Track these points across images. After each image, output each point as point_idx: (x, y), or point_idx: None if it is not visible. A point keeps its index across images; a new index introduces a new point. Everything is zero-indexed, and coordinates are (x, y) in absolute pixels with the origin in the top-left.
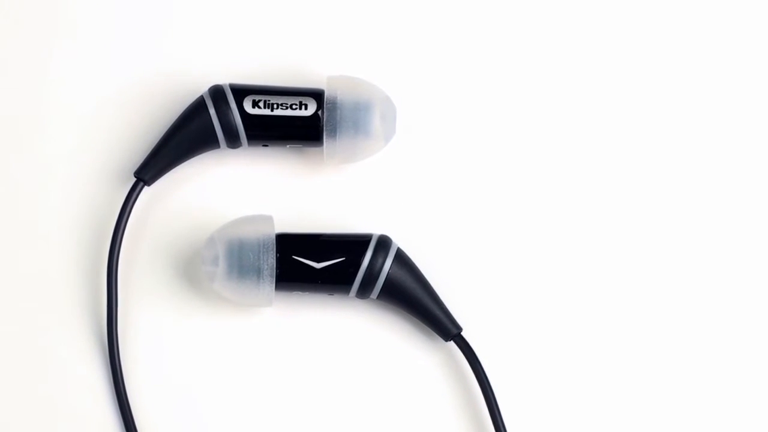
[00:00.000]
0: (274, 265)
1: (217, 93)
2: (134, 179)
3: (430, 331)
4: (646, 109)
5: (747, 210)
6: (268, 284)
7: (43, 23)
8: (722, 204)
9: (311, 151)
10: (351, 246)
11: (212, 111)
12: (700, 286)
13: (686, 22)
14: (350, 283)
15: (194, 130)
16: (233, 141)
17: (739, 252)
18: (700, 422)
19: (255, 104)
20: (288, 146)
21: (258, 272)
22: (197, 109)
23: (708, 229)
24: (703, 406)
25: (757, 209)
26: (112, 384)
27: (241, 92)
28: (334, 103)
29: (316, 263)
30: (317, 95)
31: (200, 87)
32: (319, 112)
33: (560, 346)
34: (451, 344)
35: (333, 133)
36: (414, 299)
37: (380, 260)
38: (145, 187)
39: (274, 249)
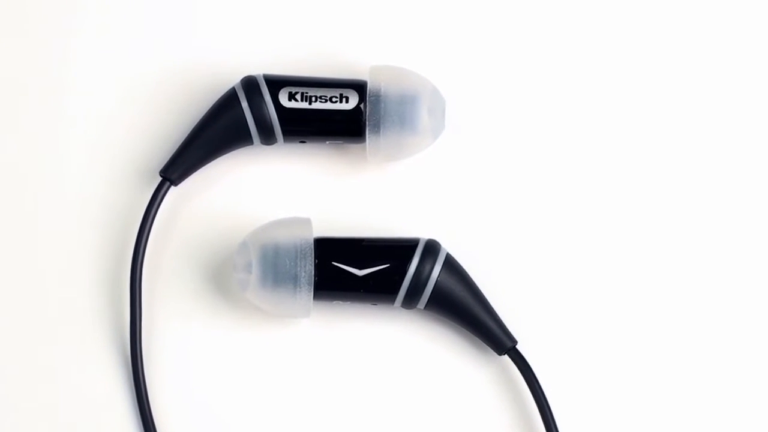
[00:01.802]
0: (313, 273)
1: (250, 85)
2: (160, 179)
3: (482, 344)
4: (705, 108)
5: None
6: (306, 293)
7: (64, 12)
8: None
9: (353, 147)
10: (396, 251)
11: (245, 104)
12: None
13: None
14: (395, 291)
15: (225, 126)
16: (268, 137)
17: None
18: None
19: (291, 97)
20: (327, 142)
21: (295, 280)
22: (228, 102)
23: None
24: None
25: None
26: (136, 401)
27: (276, 84)
28: (377, 96)
29: (358, 270)
30: (359, 87)
31: (232, 78)
32: (362, 106)
33: (622, 360)
34: (505, 358)
35: (377, 128)
36: (465, 309)
37: (428, 267)
38: (172, 187)
39: (313, 255)
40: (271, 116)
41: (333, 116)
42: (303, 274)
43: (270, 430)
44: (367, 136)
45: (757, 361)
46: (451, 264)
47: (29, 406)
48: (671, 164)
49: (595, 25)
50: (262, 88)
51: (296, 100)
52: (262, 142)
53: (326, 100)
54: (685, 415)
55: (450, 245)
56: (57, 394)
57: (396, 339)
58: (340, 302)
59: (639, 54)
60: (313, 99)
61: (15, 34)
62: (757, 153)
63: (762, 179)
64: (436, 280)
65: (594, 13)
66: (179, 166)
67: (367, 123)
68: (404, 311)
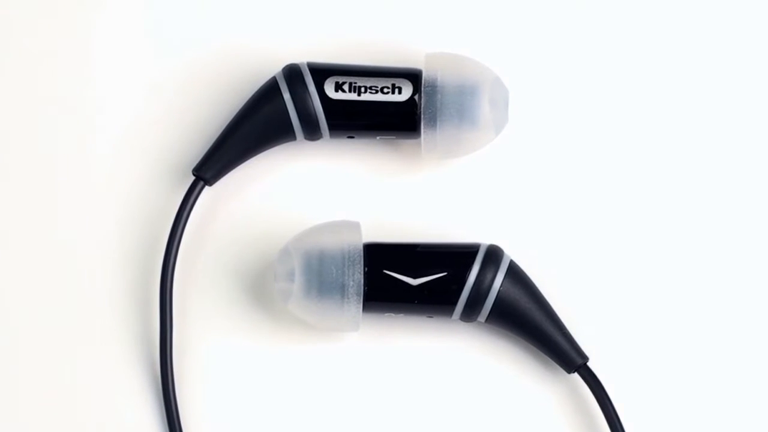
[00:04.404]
0: (362, 282)
1: (292, 74)
2: (193, 178)
3: (550, 360)
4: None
5: None
6: (354, 304)
7: (92, 2)
8: None
9: (406, 143)
10: (454, 258)
11: (287, 95)
12: None
13: None
14: (454, 302)
15: (265, 119)
16: (312, 131)
17: None
18: None
19: (338, 87)
20: (378, 138)
21: (342, 290)
22: (269, 93)
23: None
24: None
25: None
26: (166, 421)
27: (321, 73)
28: (434, 86)
29: (412, 279)
30: (413, 76)
31: (273, 67)
32: (416, 97)
33: (700, 378)
34: (575, 376)
35: (433, 121)
36: (530, 322)
37: (490, 275)
38: (206, 187)
39: (362, 262)
40: (316, 109)
41: (384, 109)
42: (351, 283)
43: None
44: (422, 130)
45: None
46: (515, 272)
47: (53, 425)
48: (735, 156)
49: (665, 20)
50: (306, 78)
51: (343, 91)
52: (305, 138)
53: (377, 91)
54: None
55: (514, 251)
56: (80, 414)
57: (454, 355)
58: (392, 314)
59: (711, 43)
60: (362, 90)
61: (43, 29)
62: None
63: None
64: (499, 290)
65: (664, 8)
66: (214, 164)
67: (422, 116)
68: (463, 324)
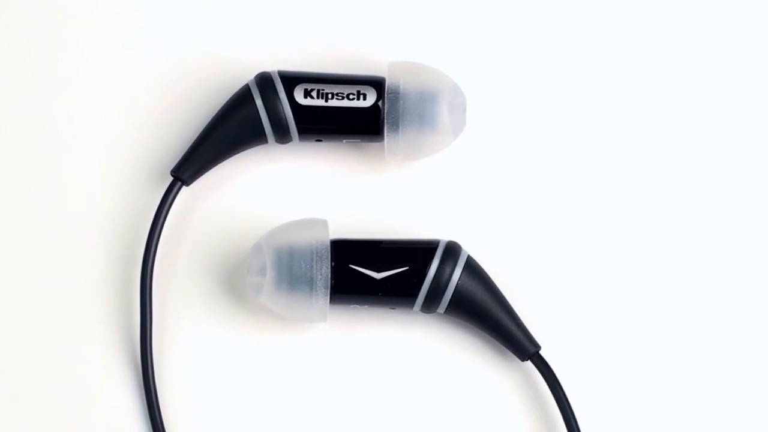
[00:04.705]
0: (329, 276)
1: (264, 81)
2: (171, 178)
3: (505, 349)
4: (730, 110)
5: None
6: (322, 297)
7: (75, 9)
8: None
9: (370, 146)
10: (415, 254)
11: (259, 101)
12: None
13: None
14: (414, 295)
15: (239, 123)
16: (282, 135)
17: None
18: None
19: (307, 94)
20: (344, 141)
21: (310, 283)
22: (242, 99)
23: None
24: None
25: None
26: (146, 409)
27: (291, 80)
28: (396, 93)
29: (376, 273)
30: (377, 84)
31: (246, 75)
32: (380, 103)
33: (649, 366)
34: (528, 364)
35: (395, 126)
36: (486, 313)
37: (448, 270)
38: (184, 187)
39: (329, 257)
40: (286, 114)
41: (350, 114)
42: (319, 277)
43: None
44: (385, 134)
45: None
46: (472, 267)
47: (36, 411)
48: (687, 160)
49: (619, 21)
50: (276, 85)
51: (312, 98)
52: (276, 141)
53: (343, 98)
54: (713, 423)
55: (471, 247)
56: (65, 401)
57: (415, 344)
58: (358, 306)
59: (661, 54)
60: (330, 96)
61: (26, 33)
62: None
63: None
64: (457, 284)
65: (618, 9)
66: (191, 165)
67: (385, 121)
68: (423, 315)
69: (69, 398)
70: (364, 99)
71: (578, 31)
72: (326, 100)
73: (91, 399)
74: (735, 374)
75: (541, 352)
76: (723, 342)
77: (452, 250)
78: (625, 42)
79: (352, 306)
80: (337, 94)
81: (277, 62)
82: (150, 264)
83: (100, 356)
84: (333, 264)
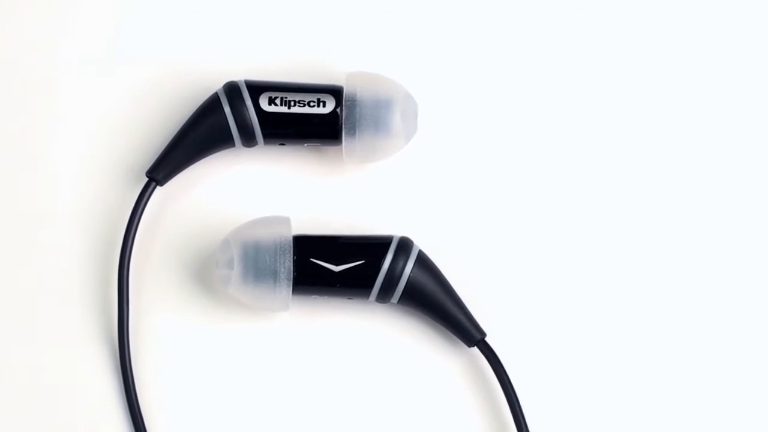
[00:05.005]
0: (291, 269)
1: (232, 90)
2: (146, 179)
3: (453, 336)
4: (670, 111)
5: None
6: (285, 288)
7: (53, 19)
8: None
9: (330, 150)
10: (371, 248)
11: (227, 108)
12: (716, 288)
13: (682, 22)
14: (370, 286)
15: (209, 129)
16: (249, 139)
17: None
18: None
19: (271, 101)
20: (305, 145)
21: (274, 276)
22: (212, 106)
23: (724, 232)
24: (719, 410)
25: None
26: (123, 390)
27: (257, 89)
28: (353, 101)
29: (335, 266)
30: (336, 92)
31: (215, 84)
32: (338, 110)
33: (587, 351)
34: (475, 350)
35: (352, 131)
36: (436, 303)
37: (401, 263)
38: (158, 187)
39: (291, 252)
40: (252, 120)
41: (311, 120)
42: (282, 270)
43: (252, 415)
44: (343, 138)
45: (714, 357)
46: (422, 260)
47: (17, 398)
48: (622, 155)
49: (557, 30)
50: (243, 93)
51: (276, 105)
52: (243, 145)
53: (304, 105)
54: (651, 406)
55: (422, 242)
56: (46, 387)
57: (370, 331)
58: (318, 296)
59: (606, 57)
60: (292, 103)
61: (3, 38)
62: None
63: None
64: (409, 276)
65: (557, 19)
66: (165, 167)
67: (343, 126)
68: (378, 305)
69: (51, 384)
70: (324, 106)
71: (516, 45)
72: (289, 107)
73: (73, 383)
74: (669, 360)
75: (486, 338)
76: (659, 326)
77: (405, 245)
78: (558, 47)
79: (312, 296)
80: (298, 102)
81: (243, 72)
82: (127, 258)
83: (80, 348)
84: (295, 258)
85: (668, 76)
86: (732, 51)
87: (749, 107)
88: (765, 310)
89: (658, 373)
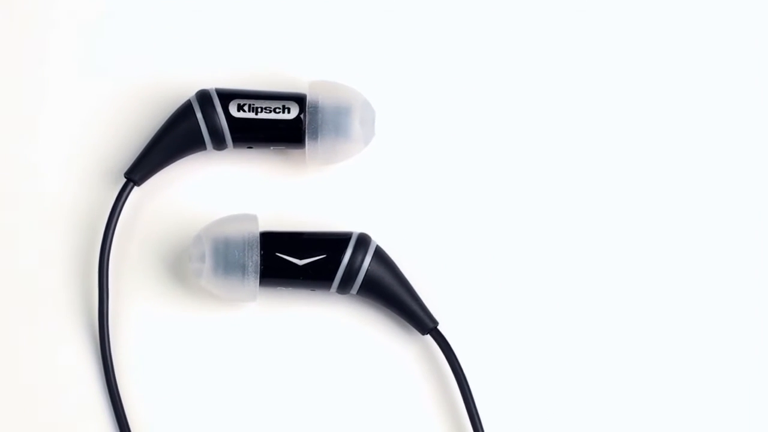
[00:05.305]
0: (259, 262)
1: (203, 97)
2: (124, 180)
3: (408, 325)
4: (618, 110)
5: (744, 211)
6: (253, 280)
7: (35, 27)
8: (701, 206)
9: (294, 152)
10: (332, 244)
11: (199, 114)
12: (665, 274)
13: (672, 22)
14: (331, 279)
15: (182, 133)
16: (219, 143)
17: (724, 254)
18: (677, 418)
19: (240, 108)
20: (272, 148)
21: (243, 269)
22: (185, 112)
23: (680, 226)
24: (679, 400)
25: (757, 209)
26: (104, 378)
27: (226, 96)
28: (315, 107)
29: (299, 260)
30: (300, 99)
31: (188, 92)
32: (302, 116)
33: (536, 340)
34: (428, 338)
35: (315, 135)
36: (392, 294)
37: (360, 257)
38: (135, 187)
39: (259, 247)
40: (222, 125)
41: (276, 125)
42: (250, 263)
43: (223, 398)
44: (306, 142)
45: (676, 353)
46: (380, 254)
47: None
48: (573, 148)
49: (507, 37)
50: (214, 101)
51: (244, 111)
52: (214, 148)
53: (270, 111)
54: (600, 395)
55: (379, 238)
56: (29, 380)
57: (332, 320)
58: (283, 288)
59: (568, 47)
60: (259, 110)
61: None
62: (746, 154)
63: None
64: (367, 269)
65: (507, 25)
66: (142, 168)
67: (306, 131)
68: (339, 296)
69: (33, 375)
70: (289, 112)
71: (464, 56)
72: (256, 114)
73: (54, 375)
74: (617, 352)
75: (438, 327)
76: (604, 316)
77: (363, 241)
78: (516, 48)
79: (278, 288)
80: (265, 108)
81: (214, 81)
82: (106, 253)
83: (63, 339)
84: (262, 252)
85: (647, 74)
86: (732, 51)
87: (749, 107)
88: (743, 311)
89: (621, 364)
